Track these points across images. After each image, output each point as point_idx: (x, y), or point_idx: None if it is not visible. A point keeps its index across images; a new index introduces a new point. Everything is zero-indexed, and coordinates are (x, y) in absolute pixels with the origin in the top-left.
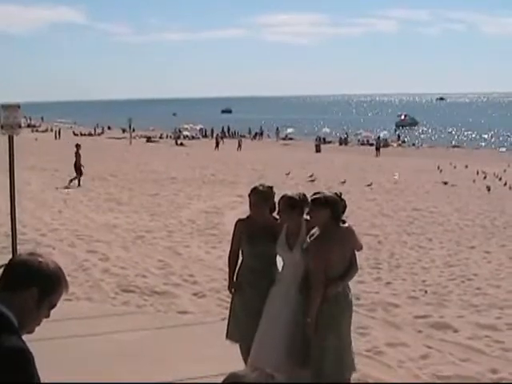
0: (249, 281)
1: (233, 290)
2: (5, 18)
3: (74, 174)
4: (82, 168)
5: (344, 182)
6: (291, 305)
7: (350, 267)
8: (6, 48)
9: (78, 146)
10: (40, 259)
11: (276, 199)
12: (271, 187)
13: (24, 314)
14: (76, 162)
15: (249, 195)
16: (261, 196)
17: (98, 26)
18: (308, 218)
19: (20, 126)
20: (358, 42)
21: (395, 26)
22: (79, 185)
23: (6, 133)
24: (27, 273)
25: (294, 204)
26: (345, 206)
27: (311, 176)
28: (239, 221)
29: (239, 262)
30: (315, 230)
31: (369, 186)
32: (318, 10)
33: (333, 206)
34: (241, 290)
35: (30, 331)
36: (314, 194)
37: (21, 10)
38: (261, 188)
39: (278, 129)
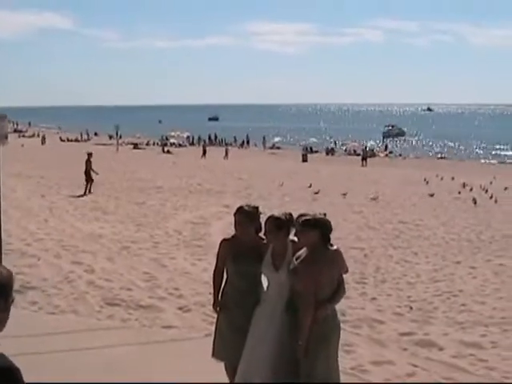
0: (234, 300)
1: (218, 308)
2: None
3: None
4: (92, 175)
5: (345, 194)
6: (277, 325)
7: (338, 289)
8: None
9: (89, 155)
10: None
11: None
12: (257, 207)
13: None
14: (86, 169)
15: (234, 214)
16: (246, 216)
17: (85, 32)
18: (295, 238)
19: (6, 137)
20: (345, 52)
21: (383, 36)
22: (90, 192)
23: None
24: None
25: (280, 225)
26: (331, 228)
27: (310, 186)
28: (224, 240)
29: (224, 280)
30: (302, 252)
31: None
32: (306, 20)
33: (322, 227)
34: (226, 309)
35: (1, 330)
36: (301, 215)
37: (7, 14)
38: (246, 208)
39: (264, 138)
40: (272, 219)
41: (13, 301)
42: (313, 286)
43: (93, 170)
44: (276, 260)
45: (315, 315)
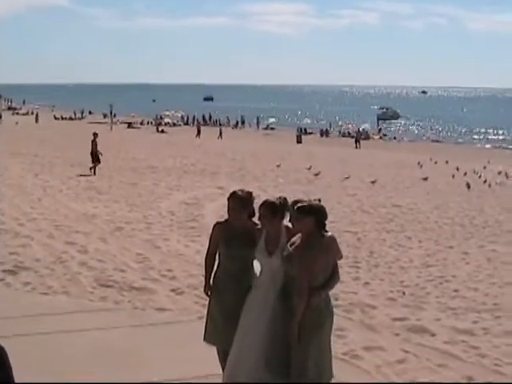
0: (225, 284)
1: (209, 292)
2: None
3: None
4: (99, 156)
5: (348, 178)
6: (269, 312)
7: (332, 276)
8: None
9: (95, 135)
10: None
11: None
12: (250, 192)
13: None
14: (92, 150)
15: (227, 199)
16: (239, 201)
17: (81, 10)
18: (289, 224)
19: (0, 117)
20: (341, 34)
21: (379, 18)
22: (94, 173)
23: None
24: None
25: (275, 210)
26: (326, 215)
27: (309, 168)
28: (217, 224)
29: (216, 264)
30: (296, 238)
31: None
32: (303, 1)
33: (317, 214)
34: (217, 294)
35: None
36: (296, 201)
37: None
38: (240, 193)
39: (258, 119)
40: (267, 204)
41: None
42: (307, 273)
43: (98, 151)
44: (270, 245)
45: (309, 302)
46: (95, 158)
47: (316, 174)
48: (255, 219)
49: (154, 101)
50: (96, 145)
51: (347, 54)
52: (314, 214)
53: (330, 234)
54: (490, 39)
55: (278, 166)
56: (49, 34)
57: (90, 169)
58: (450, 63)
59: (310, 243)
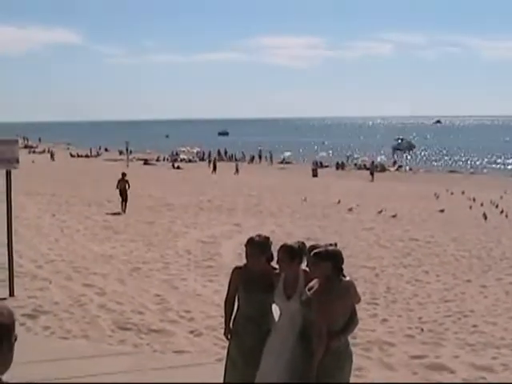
0: (244, 328)
1: (229, 336)
2: (1, 39)
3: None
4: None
5: (381, 212)
6: (288, 355)
7: (351, 320)
8: (2, 69)
9: (123, 175)
10: None
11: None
12: (268, 237)
13: (3, 366)
14: (122, 188)
15: (245, 245)
16: (257, 247)
17: (93, 48)
18: (307, 268)
19: (18, 161)
20: (354, 65)
21: (392, 49)
22: (124, 211)
23: (3, 167)
24: None
25: (293, 254)
26: (343, 259)
27: (339, 202)
28: (236, 268)
29: (235, 308)
30: (314, 283)
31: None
32: (315, 33)
33: (334, 259)
34: (237, 337)
35: (7, 369)
36: (313, 246)
37: (17, 31)
38: (257, 239)
39: (270, 153)
40: (285, 248)
41: (16, 339)
42: (326, 317)
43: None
44: (288, 289)
45: (328, 346)
46: (125, 196)
47: (350, 209)
48: (274, 263)
49: (167, 136)
50: (124, 183)
51: (361, 85)
52: (330, 260)
53: (347, 278)
54: (504, 67)
55: (304, 200)
56: (61, 71)
57: (123, 206)
58: (465, 92)
59: (328, 288)
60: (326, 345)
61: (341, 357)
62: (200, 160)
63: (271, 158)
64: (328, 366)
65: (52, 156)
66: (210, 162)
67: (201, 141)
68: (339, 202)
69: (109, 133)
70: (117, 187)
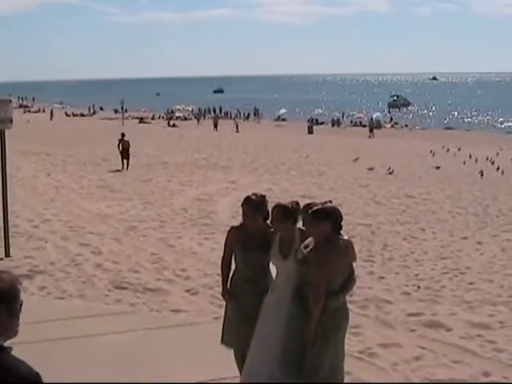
0: (242, 288)
1: (226, 297)
2: None
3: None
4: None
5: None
6: (285, 314)
7: (349, 279)
8: None
9: (123, 135)
10: None
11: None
12: (264, 196)
13: (3, 330)
14: (123, 147)
15: (242, 205)
16: (254, 206)
17: (90, 6)
18: (303, 227)
19: (11, 121)
20: (349, 22)
21: (386, 5)
22: (127, 168)
23: None
24: None
25: (287, 213)
26: (341, 217)
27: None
28: (232, 228)
29: (232, 269)
30: (310, 241)
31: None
32: None
33: (333, 217)
34: (234, 297)
35: (14, 335)
36: (308, 204)
37: None
38: (253, 198)
39: (256, 110)
40: (279, 207)
41: (21, 305)
42: (325, 276)
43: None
44: (283, 248)
45: (326, 305)
46: (126, 155)
47: (390, 172)
48: (269, 222)
49: (158, 94)
50: (124, 142)
51: (355, 42)
52: (329, 218)
53: (346, 237)
54: (497, 23)
55: (306, 157)
56: (56, 30)
57: (125, 165)
58: (460, 49)
59: (328, 246)
60: (323, 304)
61: (338, 316)
62: (195, 118)
63: (255, 114)
64: (324, 326)
65: (51, 115)
66: (198, 119)
67: (196, 98)
68: (356, 159)
69: (101, 92)
70: (118, 147)
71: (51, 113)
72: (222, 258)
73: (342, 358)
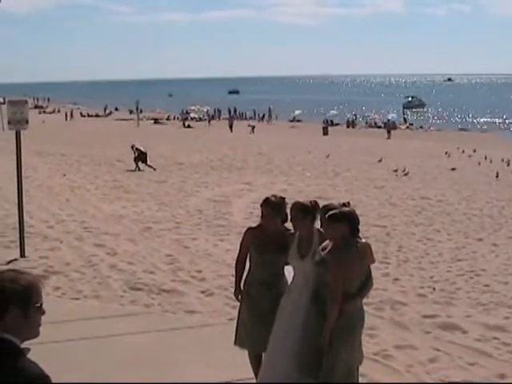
0: (257, 289)
1: (240, 297)
2: None
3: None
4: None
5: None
6: (302, 316)
7: (367, 282)
8: (11, 28)
9: (133, 147)
10: (5, 278)
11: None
12: (283, 198)
13: (19, 331)
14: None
15: (261, 205)
16: (274, 208)
17: (104, 6)
18: (321, 229)
19: (27, 122)
20: (363, 23)
21: (401, 6)
22: (139, 169)
23: (14, 128)
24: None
25: (306, 210)
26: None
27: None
28: (249, 229)
29: (247, 269)
30: (327, 243)
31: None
32: None
33: (350, 220)
34: (249, 298)
35: (34, 337)
36: (326, 206)
37: None
38: (273, 199)
39: (270, 111)
40: (297, 205)
41: (41, 305)
42: (342, 278)
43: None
44: (302, 248)
45: (343, 308)
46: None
47: (406, 174)
48: (287, 225)
49: (170, 95)
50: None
51: (370, 43)
52: (346, 221)
53: (363, 240)
54: None
55: (326, 157)
56: (69, 30)
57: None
58: (475, 50)
59: (345, 248)
60: (340, 307)
61: (354, 317)
62: (211, 119)
63: (270, 115)
64: (341, 327)
65: (66, 116)
66: (209, 121)
67: (210, 99)
68: (380, 160)
69: (113, 92)
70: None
71: (66, 114)
72: (237, 258)
73: (358, 359)
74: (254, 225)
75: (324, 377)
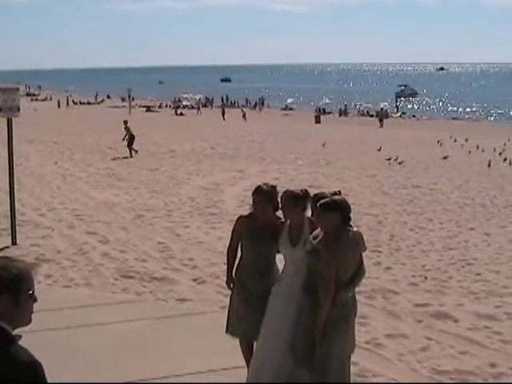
0: (248, 277)
1: (231, 285)
2: None
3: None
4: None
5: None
6: (295, 304)
7: (359, 271)
8: (5, 16)
9: (125, 122)
10: None
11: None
12: (274, 186)
13: (10, 318)
14: (128, 135)
15: (252, 194)
16: (265, 196)
17: None
18: (311, 217)
19: (19, 109)
20: (355, 11)
21: None
22: (131, 156)
23: (5, 115)
24: None
25: (296, 198)
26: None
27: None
28: (241, 217)
29: (238, 257)
30: (318, 232)
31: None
32: None
33: (342, 209)
34: (240, 286)
35: (26, 324)
36: (316, 195)
37: None
38: (265, 187)
39: (262, 99)
40: (288, 193)
41: (33, 293)
42: (335, 267)
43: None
44: (293, 236)
45: (336, 297)
46: (131, 142)
47: (400, 163)
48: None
49: (160, 83)
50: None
51: (363, 31)
52: (337, 210)
53: (355, 228)
54: (505, 13)
55: (322, 145)
56: (62, 18)
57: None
58: (467, 39)
59: (337, 237)
60: (333, 296)
61: (346, 306)
62: (203, 106)
63: (262, 103)
64: (333, 316)
65: (59, 103)
66: (198, 108)
67: (203, 87)
68: (380, 149)
69: (104, 80)
70: (124, 138)
71: (58, 101)
72: (229, 246)
73: (350, 347)
74: (245, 213)
75: (318, 366)
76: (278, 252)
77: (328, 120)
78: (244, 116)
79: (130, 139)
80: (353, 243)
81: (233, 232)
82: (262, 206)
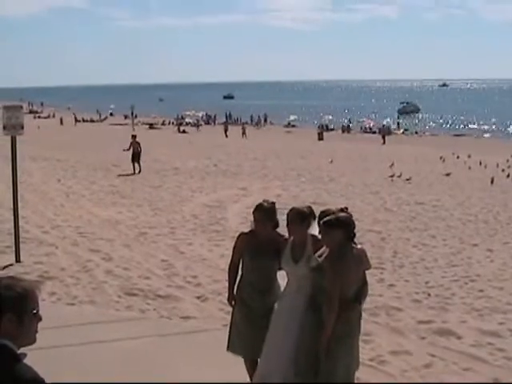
0: (250, 294)
1: (233, 302)
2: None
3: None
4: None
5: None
6: (297, 320)
7: (363, 288)
8: (5, 33)
9: (134, 137)
10: (1, 285)
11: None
12: (274, 203)
13: (15, 336)
14: (135, 150)
15: (253, 212)
16: (266, 213)
17: (98, 11)
18: (315, 233)
19: (22, 127)
20: (358, 28)
21: (396, 11)
22: (139, 171)
23: (9, 133)
24: None
25: (304, 216)
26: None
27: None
28: (242, 234)
29: (239, 274)
30: (323, 250)
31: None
32: None
33: (346, 226)
34: (242, 304)
35: (31, 343)
36: (323, 212)
37: None
38: (265, 205)
39: (265, 116)
40: (295, 211)
41: (36, 312)
42: (339, 284)
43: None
44: (295, 253)
45: (341, 314)
46: (137, 158)
47: (407, 179)
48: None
49: (161, 100)
50: (136, 144)
51: (366, 48)
52: (341, 227)
53: (359, 246)
54: (507, 29)
55: (330, 162)
56: (65, 35)
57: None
58: (470, 55)
59: (341, 254)
60: (336, 314)
61: (351, 326)
62: (206, 124)
63: (265, 120)
64: (338, 333)
65: (61, 121)
66: (198, 126)
67: (205, 104)
68: (392, 165)
69: (105, 97)
70: (129, 149)
71: (61, 119)
72: (230, 263)
73: (355, 363)
74: (246, 230)
75: (324, 382)
76: (280, 269)
77: (331, 137)
78: (244, 133)
79: (136, 154)
80: (357, 260)
81: (234, 249)
82: (263, 223)
